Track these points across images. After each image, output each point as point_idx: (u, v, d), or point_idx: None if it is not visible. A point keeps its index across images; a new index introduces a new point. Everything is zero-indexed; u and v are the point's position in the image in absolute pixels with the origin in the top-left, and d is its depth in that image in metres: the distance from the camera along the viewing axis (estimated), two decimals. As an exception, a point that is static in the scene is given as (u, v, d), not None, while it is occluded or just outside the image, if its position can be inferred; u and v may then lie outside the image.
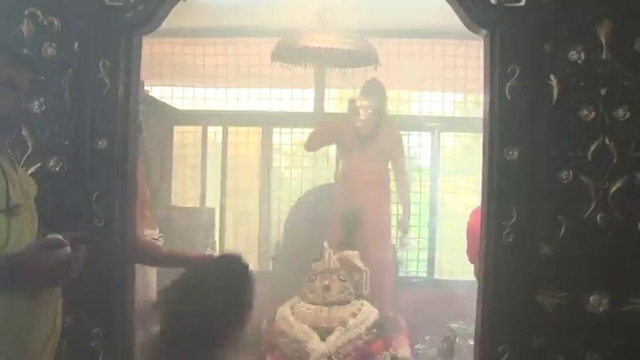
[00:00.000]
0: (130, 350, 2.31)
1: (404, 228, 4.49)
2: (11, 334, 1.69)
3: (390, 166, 4.49)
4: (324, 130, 4.60)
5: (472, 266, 3.05)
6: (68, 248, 1.69)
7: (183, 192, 5.25)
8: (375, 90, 4.40)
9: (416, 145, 5.30)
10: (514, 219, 2.15)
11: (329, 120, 4.71)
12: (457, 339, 3.87)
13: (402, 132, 5.12)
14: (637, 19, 2.11)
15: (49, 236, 1.71)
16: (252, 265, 5.23)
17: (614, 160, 2.12)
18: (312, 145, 4.67)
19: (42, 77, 2.19)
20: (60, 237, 1.70)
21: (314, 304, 3.54)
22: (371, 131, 4.32)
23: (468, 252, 3.35)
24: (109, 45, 2.24)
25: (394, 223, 4.54)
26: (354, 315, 3.53)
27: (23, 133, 2.17)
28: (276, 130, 5.26)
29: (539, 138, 2.15)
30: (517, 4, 2.16)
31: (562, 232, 2.14)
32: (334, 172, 4.68)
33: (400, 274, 4.73)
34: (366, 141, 4.33)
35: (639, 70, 2.11)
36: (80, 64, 2.23)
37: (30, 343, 1.74)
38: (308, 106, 5.29)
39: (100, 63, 2.23)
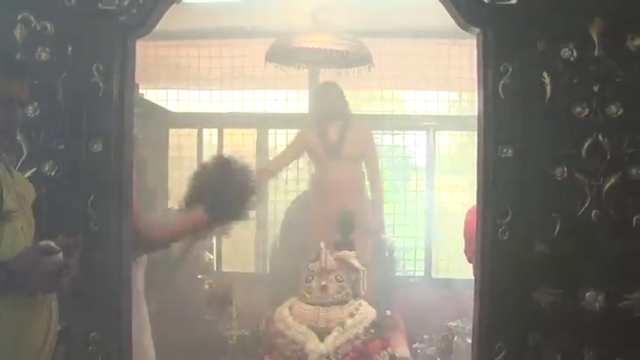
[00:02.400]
0: (127, 353, 2.31)
1: (380, 228, 4.43)
2: (6, 337, 1.69)
3: (364, 166, 4.42)
4: (291, 147, 4.50)
5: (469, 265, 3.06)
6: (60, 255, 1.70)
7: (179, 194, 5.24)
8: (330, 93, 4.32)
9: (411, 144, 5.31)
10: (509, 217, 2.16)
11: (296, 136, 4.57)
12: (455, 337, 3.88)
13: (397, 131, 5.15)
14: (628, 17, 2.13)
15: (41, 243, 1.72)
16: (250, 267, 5.23)
17: (608, 157, 2.14)
18: (276, 166, 4.56)
19: (36, 82, 2.19)
20: (52, 244, 1.70)
21: (312, 304, 3.54)
22: (341, 137, 4.25)
23: (466, 251, 3.36)
24: (102, 48, 2.24)
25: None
26: (351, 315, 3.53)
27: (18, 137, 2.17)
28: (271, 131, 5.25)
29: (533, 135, 2.16)
30: (509, 2, 2.17)
31: (557, 229, 2.15)
32: (310, 180, 4.60)
33: (397, 274, 4.73)
34: (337, 147, 4.27)
35: (631, 67, 2.12)
36: (74, 68, 2.23)
37: (25, 346, 1.74)
38: (303, 107, 5.29)
39: (94, 66, 2.23)
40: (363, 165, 4.42)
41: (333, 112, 4.30)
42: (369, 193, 4.43)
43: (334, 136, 4.29)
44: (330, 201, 4.17)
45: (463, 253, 3.45)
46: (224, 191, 2.62)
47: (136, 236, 2.39)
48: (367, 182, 4.44)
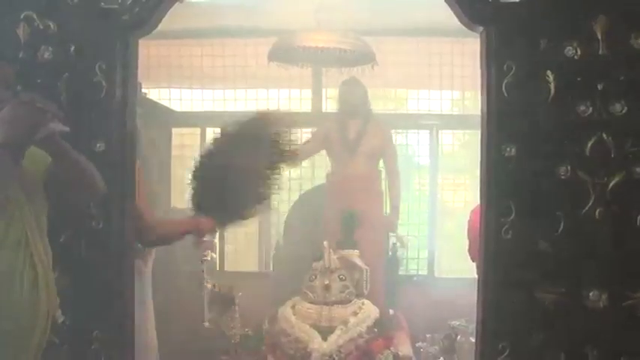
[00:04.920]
0: (130, 352, 2.32)
1: (391, 227, 4.45)
2: None
3: (381, 165, 4.46)
4: (312, 140, 4.52)
5: (473, 264, 3.05)
6: (57, 127, 1.77)
7: (182, 194, 5.23)
8: (353, 89, 4.36)
9: (414, 143, 5.30)
10: (513, 215, 2.15)
11: (317, 129, 4.60)
12: (458, 336, 3.87)
13: (400, 130, 5.14)
14: (632, 15, 2.12)
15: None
16: (253, 266, 5.22)
17: (612, 155, 2.13)
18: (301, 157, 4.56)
19: (38, 80, 2.20)
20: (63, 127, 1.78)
21: (315, 303, 3.54)
22: (359, 134, 4.30)
23: (470, 251, 3.35)
24: (105, 48, 2.24)
25: None
26: (354, 314, 3.53)
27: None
28: (274, 130, 5.24)
29: (536, 134, 2.15)
30: (512, 0, 2.16)
31: (561, 228, 2.15)
32: (326, 173, 4.63)
33: (400, 273, 4.73)
34: (355, 143, 4.31)
35: (636, 65, 2.11)
36: (77, 67, 2.24)
37: (10, 338, 1.75)
38: (306, 106, 5.29)
39: (97, 66, 2.23)
40: (380, 163, 4.43)
41: (354, 109, 4.33)
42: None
43: (353, 133, 4.33)
44: (344, 197, 4.18)
45: (467, 252, 3.44)
46: (229, 193, 2.56)
47: (147, 231, 2.42)
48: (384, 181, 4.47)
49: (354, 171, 4.30)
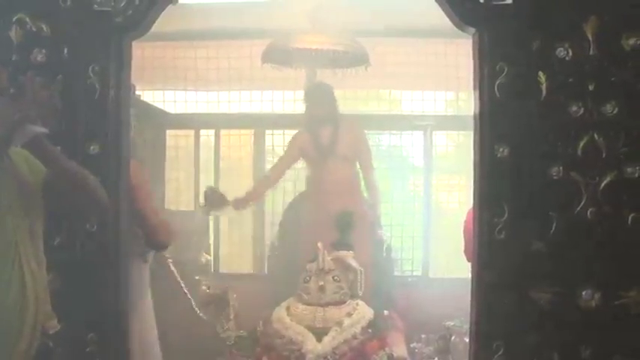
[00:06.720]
0: (125, 354, 2.32)
1: (374, 223, 4.44)
2: None
3: (357, 165, 4.43)
4: (286, 154, 4.51)
5: (467, 264, 3.06)
6: (38, 129, 1.75)
7: (176, 195, 5.25)
8: (319, 94, 4.35)
9: (409, 144, 5.31)
10: (506, 215, 2.17)
11: (290, 142, 4.56)
12: (453, 337, 3.88)
13: (394, 131, 5.15)
14: (623, 15, 2.13)
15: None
16: (248, 267, 5.20)
17: (604, 155, 2.14)
18: (275, 176, 4.56)
19: (32, 83, 2.19)
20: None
21: (309, 304, 3.54)
22: (332, 139, 4.28)
23: (466, 251, 3.36)
24: (98, 50, 2.25)
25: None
26: (349, 315, 3.53)
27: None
28: (268, 132, 5.25)
29: (529, 135, 2.17)
30: (504, 2, 2.17)
31: (553, 227, 2.16)
32: (306, 179, 4.60)
33: (395, 274, 4.73)
34: (329, 148, 4.29)
35: (626, 66, 2.13)
36: (70, 70, 2.24)
37: None
38: (300, 108, 5.29)
39: (90, 68, 2.24)
40: (358, 164, 4.43)
41: (323, 116, 4.32)
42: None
43: (326, 138, 4.30)
44: (327, 202, 4.18)
45: (461, 252, 3.45)
46: None
47: (154, 233, 2.43)
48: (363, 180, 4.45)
49: (333, 176, 4.27)
